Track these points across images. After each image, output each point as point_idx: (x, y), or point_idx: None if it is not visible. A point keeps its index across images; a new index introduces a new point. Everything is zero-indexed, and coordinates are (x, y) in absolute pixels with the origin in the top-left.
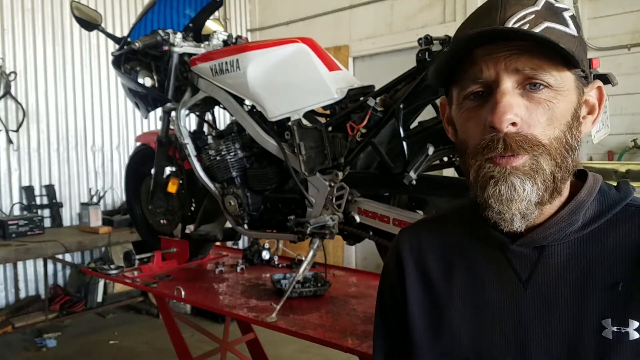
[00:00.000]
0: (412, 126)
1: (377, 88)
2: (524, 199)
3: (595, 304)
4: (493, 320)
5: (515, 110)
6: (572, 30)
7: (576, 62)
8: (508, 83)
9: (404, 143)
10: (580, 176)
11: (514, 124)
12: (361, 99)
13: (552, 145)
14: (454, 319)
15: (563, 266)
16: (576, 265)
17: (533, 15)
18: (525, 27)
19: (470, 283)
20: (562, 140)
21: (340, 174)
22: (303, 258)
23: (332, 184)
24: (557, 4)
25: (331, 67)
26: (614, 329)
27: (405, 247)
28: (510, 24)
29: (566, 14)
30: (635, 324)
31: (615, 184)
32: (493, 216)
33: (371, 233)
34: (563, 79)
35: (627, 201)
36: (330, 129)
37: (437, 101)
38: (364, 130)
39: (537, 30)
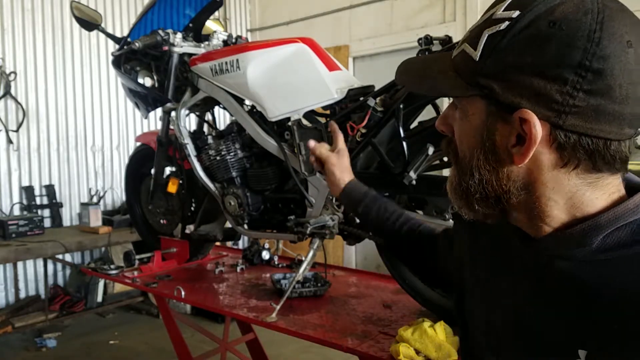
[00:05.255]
0: (412, 126)
1: (377, 88)
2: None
3: (581, 330)
4: (497, 304)
5: (445, 120)
6: (476, 53)
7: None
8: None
9: (404, 143)
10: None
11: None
12: (361, 99)
13: (463, 159)
14: (473, 285)
15: (566, 282)
16: (579, 286)
17: (467, 34)
18: (460, 47)
19: (486, 272)
20: (467, 159)
21: None
22: (303, 258)
23: None
24: (497, 17)
25: (331, 67)
26: None
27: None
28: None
29: (486, 33)
30: None
31: None
32: None
33: (371, 233)
34: (469, 103)
35: None
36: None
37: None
38: (364, 130)
39: (455, 52)
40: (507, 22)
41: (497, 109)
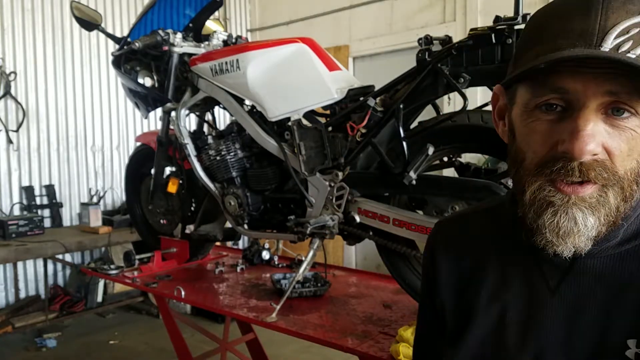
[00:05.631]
0: (412, 126)
1: (377, 88)
2: (582, 234)
3: (623, 322)
4: (514, 321)
5: (598, 138)
6: None
7: None
8: (594, 106)
9: (404, 143)
10: None
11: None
12: (361, 99)
13: (625, 177)
14: (478, 311)
15: (594, 280)
16: (608, 281)
17: (638, 29)
18: (627, 46)
19: (497, 280)
20: (636, 171)
21: (340, 174)
22: (303, 258)
23: (332, 184)
24: None
25: (331, 67)
26: (638, 350)
27: (437, 238)
28: (610, 38)
29: None
30: None
31: None
32: (542, 242)
33: (371, 233)
34: None
35: None
36: (330, 129)
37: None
38: (364, 130)
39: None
40: None
41: None
